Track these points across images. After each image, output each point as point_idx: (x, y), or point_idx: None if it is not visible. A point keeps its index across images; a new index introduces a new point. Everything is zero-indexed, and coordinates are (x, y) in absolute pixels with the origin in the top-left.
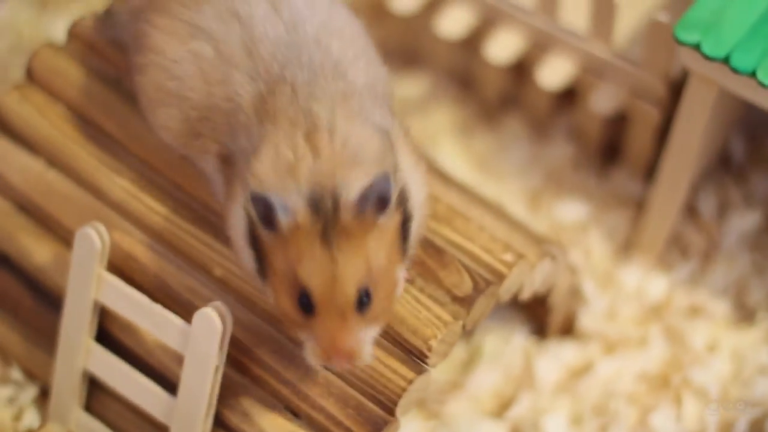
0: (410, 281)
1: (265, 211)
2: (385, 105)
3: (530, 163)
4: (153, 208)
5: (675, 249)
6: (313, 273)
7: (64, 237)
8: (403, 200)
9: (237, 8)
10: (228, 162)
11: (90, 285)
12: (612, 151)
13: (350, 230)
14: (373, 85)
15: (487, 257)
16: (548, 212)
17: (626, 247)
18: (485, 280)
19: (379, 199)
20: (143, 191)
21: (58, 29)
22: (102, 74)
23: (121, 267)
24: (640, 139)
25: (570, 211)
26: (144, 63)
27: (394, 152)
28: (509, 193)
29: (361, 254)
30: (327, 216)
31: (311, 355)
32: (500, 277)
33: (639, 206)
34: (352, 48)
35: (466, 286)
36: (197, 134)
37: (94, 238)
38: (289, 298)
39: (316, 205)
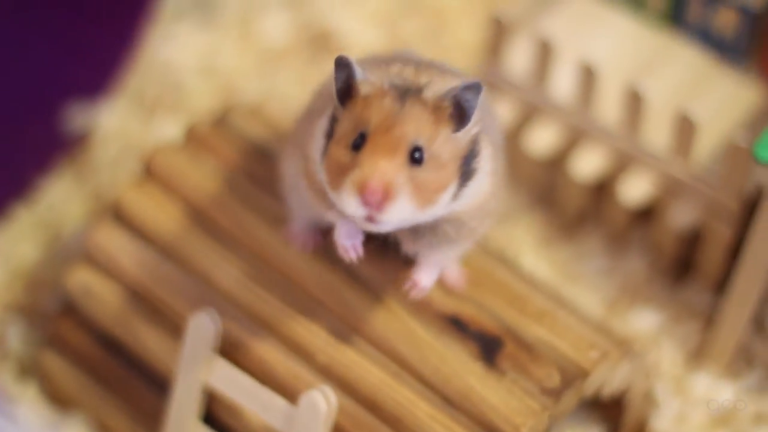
0: None
1: (344, 80)
2: None
3: (606, 274)
4: (261, 297)
5: (742, 359)
6: (377, 111)
7: (175, 322)
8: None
9: None
10: None
11: (201, 368)
12: (684, 265)
13: (426, 108)
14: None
15: (573, 354)
16: (622, 320)
17: (696, 356)
18: (572, 375)
19: (459, 105)
20: (253, 281)
21: (164, 133)
22: (218, 173)
23: (228, 352)
24: (711, 255)
25: (643, 320)
26: None
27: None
28: (586, 300)
29: (429, 127)
30: (408, 90)
31: (348, 193)
32: (586, 373)
33: (709, 318)
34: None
35: (554, 380)
36: None
37: (207, 324)
38: (344, 145)
39: (397, 87)
